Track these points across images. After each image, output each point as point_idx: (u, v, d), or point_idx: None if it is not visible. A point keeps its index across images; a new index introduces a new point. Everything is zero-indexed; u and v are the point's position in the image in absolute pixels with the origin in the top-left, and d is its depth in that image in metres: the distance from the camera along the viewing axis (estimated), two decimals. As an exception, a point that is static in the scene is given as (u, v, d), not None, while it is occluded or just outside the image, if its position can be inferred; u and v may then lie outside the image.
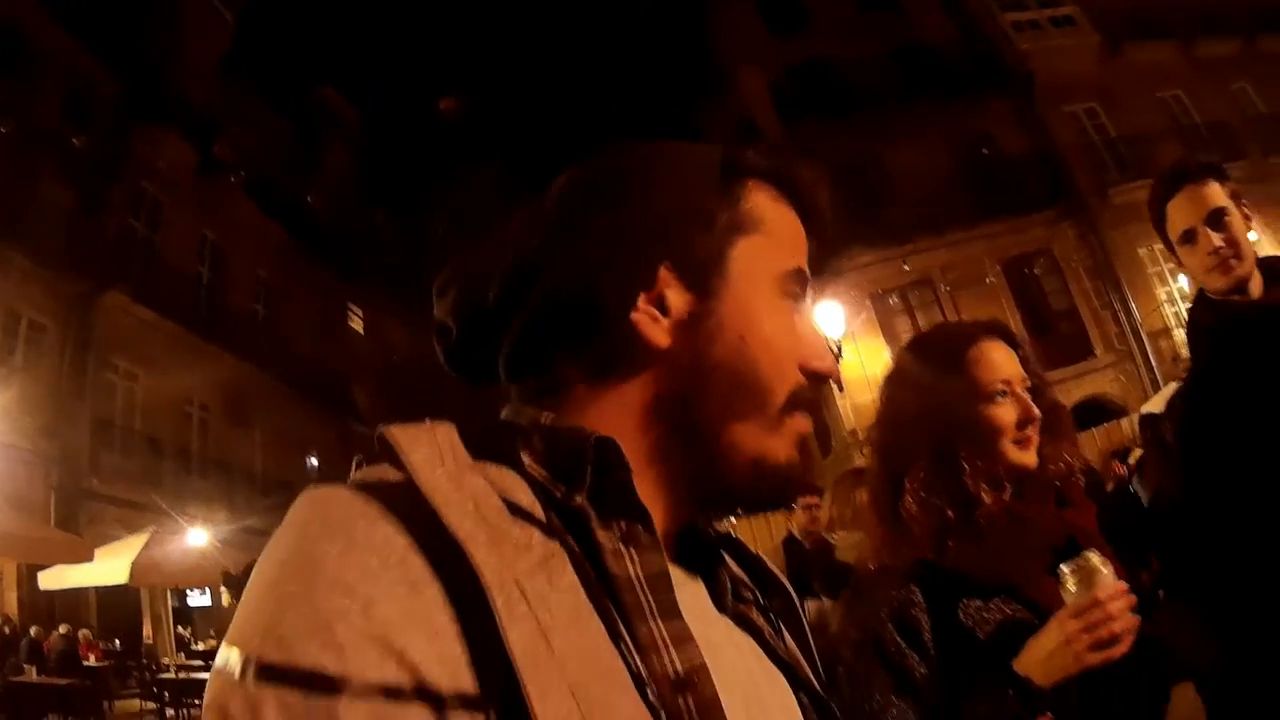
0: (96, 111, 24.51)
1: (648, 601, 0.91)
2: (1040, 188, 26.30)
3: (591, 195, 1.10)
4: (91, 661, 17.23)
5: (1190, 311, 3.15)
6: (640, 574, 0.92)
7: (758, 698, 1.04)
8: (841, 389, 22.34)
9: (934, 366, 2.34)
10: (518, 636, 0.78)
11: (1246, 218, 2.96)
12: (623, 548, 0.93)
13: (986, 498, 2.20)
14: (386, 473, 0.88)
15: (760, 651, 1.13)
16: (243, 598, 0.83)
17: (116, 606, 20.16)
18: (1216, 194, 2.94)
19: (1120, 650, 1.91)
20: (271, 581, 0.81)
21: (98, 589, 18.48)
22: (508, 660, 0.77)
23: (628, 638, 0.87)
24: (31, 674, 15.72)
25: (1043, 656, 1.94)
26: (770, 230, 1.10)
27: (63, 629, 17.25)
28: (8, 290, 20.77)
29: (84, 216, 22.85)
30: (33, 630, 17.23)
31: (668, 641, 0.89)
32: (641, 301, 1.04)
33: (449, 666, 0.77)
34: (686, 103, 34.46)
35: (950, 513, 2.20)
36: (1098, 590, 1.92)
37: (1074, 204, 26.12)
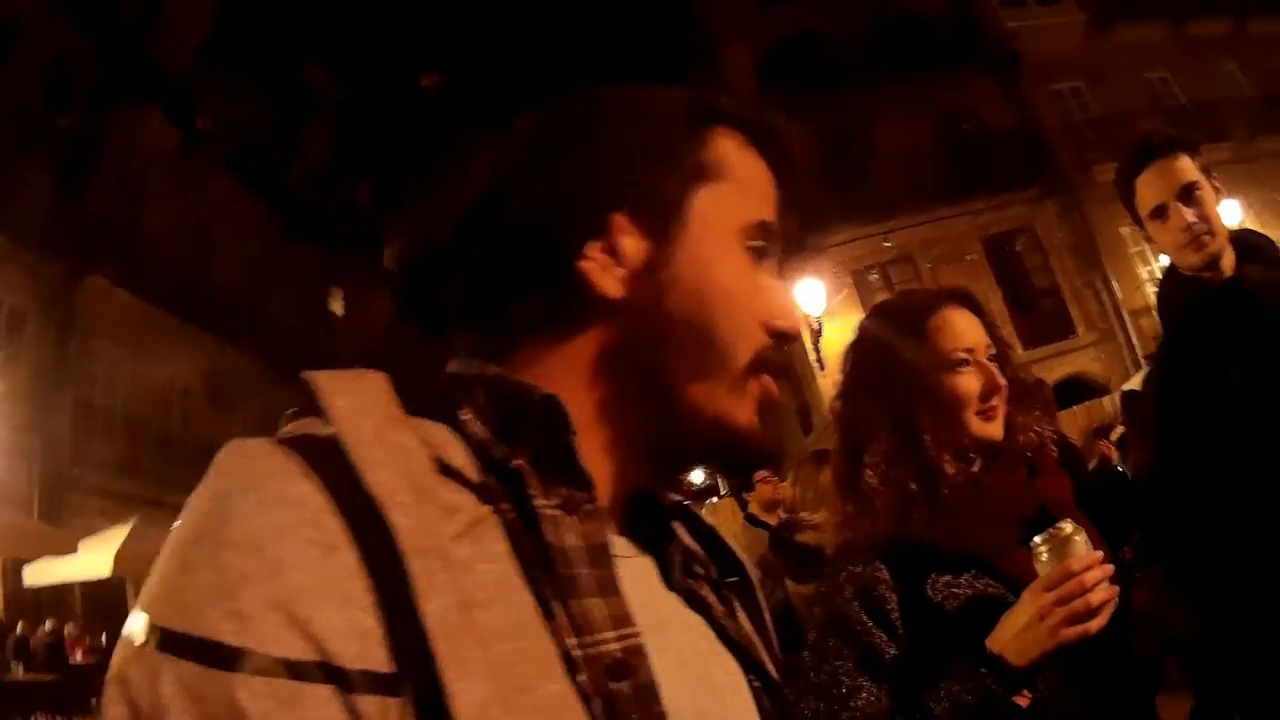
0: (78, 90, 24.00)
1: (586, 576, 0.86)
2: (1022, 165, 26.17)
3: (551, 133, 1.08)
4: (78, 658, 16.84)
5: (1160, 285, 3.13)
6: (580, 545, 0.87)
7: (705, 679, 1.00)
8: (823, 367, 22.30)
9: (895, 335, 2.30)
10: (435, 608, 0.74)
11: (1218, 191, 2.93)
12: (563, 515, 0.88)
13: (949, 469, 2.15)
14: (314, 426, 0.82)
15: (710, 631, 1.07)
16: (157, 560, 0.78)
17: (103, 599, 19.50)
18: (1187, 168, 2.90)
19: (1098, 624, 1.83)
20: (181, 542, 0.77)
21: (83, 582, 17.99)
22: (427, 635, 0.73)
23: (562, 614, 0.83)
24: (18, 672, 15.42)
25: (1016, 633, 1.86)
26: (736, 179, 1.05)
27: (48, 625, 16.97)
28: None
29: (64, 198, 22.36)
30: (18, 627, 16.83)
31: (604, 621, 0.85)
32: (594, 249, 1.00)
33: (360, 640, 0.72)
34: (670, 73, 34.27)
35: (913, 485, 2.14)
36: (1071, 561, 1.85)
37: (1056, 182, 26.02)
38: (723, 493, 23.68)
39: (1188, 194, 2.86)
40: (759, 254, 1.05)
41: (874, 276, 25.88)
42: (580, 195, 1.01)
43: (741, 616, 1.14)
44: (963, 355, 2.20)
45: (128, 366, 23.70)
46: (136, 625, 0.74)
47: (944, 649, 1.94)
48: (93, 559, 15.78)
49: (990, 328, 2.28)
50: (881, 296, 25.59)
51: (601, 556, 0.88)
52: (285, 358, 29.24)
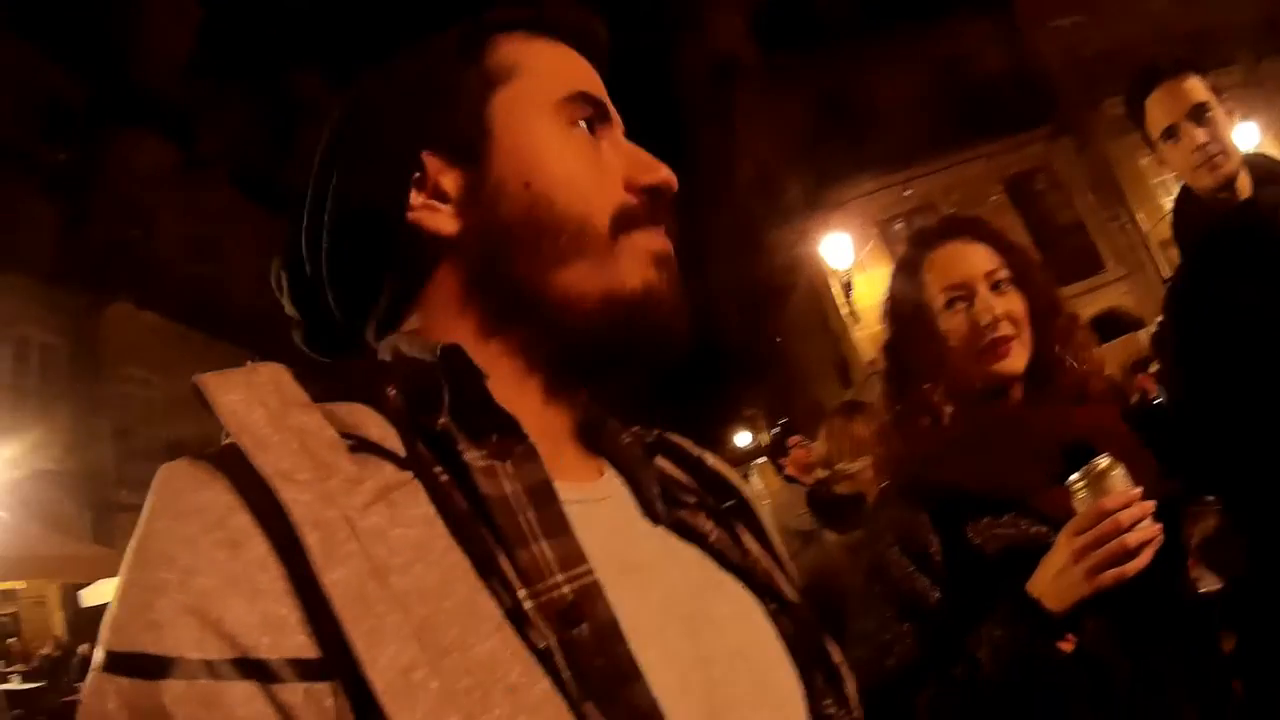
0: (70, 122, 24.28)
1: (527, 520, 0.84)
2: (1031, 105, 26.18)
3: (347, 116, 1.07)
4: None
5: (1175, 207, 3.06)
6: (519, 489, 0.85)
7: (700, 614, 0.96)
8: (857, 320, 22.38)
9: (894, 280, 2.27)
10: (340, 578, 0.71)
11: (1230, 113, 2.89)
12: (496, 463, 0.86)
13: (947, 409, 2.09)
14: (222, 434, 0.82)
15: (708, 561, 1.05)
16: None
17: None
18: (1196, 88, 2.84)
19: (1136, 566, 1.69)
20: (122, 570, 0.77)
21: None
22: (337, 613, 0.71)
23: (508, 566, 0.80)
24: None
25: (1053, 577, 1.76)
26: (528, 71, 1.04)
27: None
28: (12, 313, 20.74)
29: (72, 230, 22.76)
30: (81, 649, 17.09)
31: (553, 563, 0.82)
32: (417, 198, 1.00)
33: (274, 630, 0.71)
34: (660, 38, 34.18)
35: (922, 425, 2.10)
36: (1105, 499, 1.72)
37: (1068, 119, 26.03)
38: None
39: (1198, 114, 2.81)
40: (590, 124, 1.04)
41: (898, 226, 25.73)
42: (383, 156, 1.02)
43: (747, 539, 1.12)
44: (954, 294, 2.12)
45: (160, 387, 23.96)
46: (96, 654, 0.75)
47: (986, 593, 1.86)
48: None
49: (1009, 250, 2.19)
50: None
51: (543, 496, 0.85)
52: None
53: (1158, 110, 2.89)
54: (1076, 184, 26.07)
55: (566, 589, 0.81)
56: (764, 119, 29.11)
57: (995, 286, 2.11)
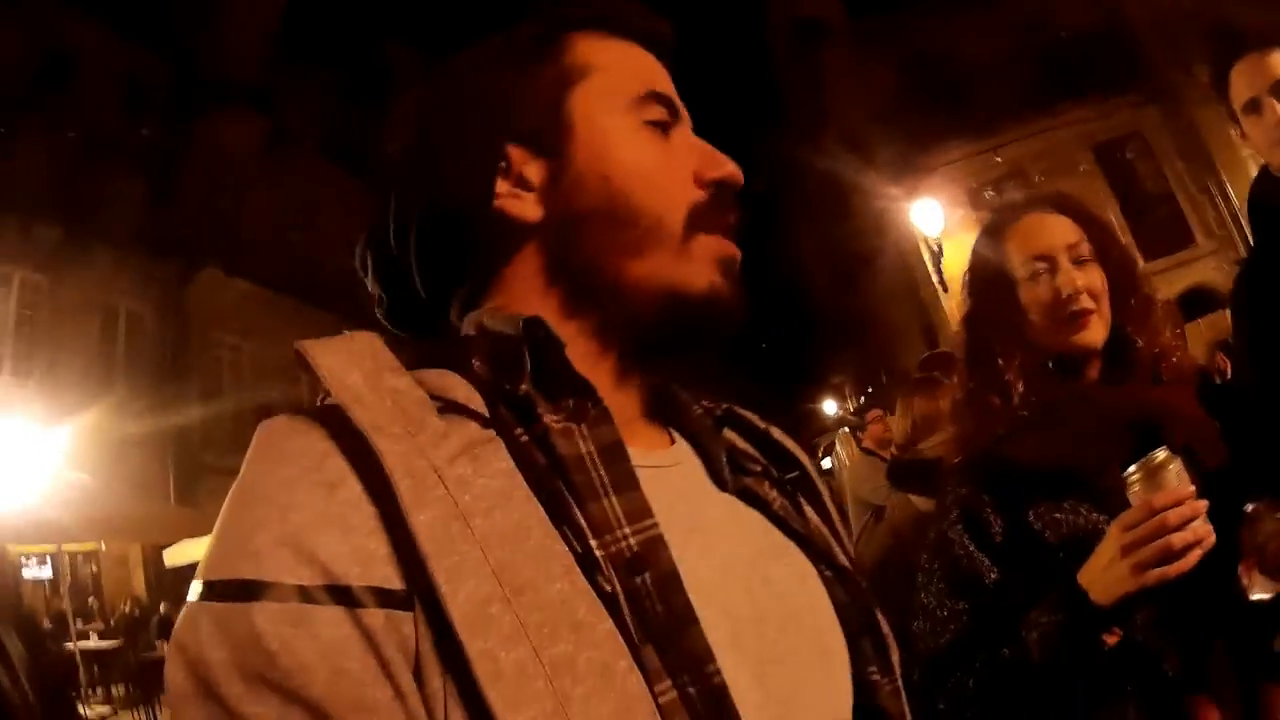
0: (155, 100, 24.93)
1: (599, 477, 0.90)
2: (1121, 68, 25.44)
3: (430, 107, 1.15)
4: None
5: (1252, 188, 2.93)
6: (592, 449, 0.91)
7: (759, 571, 1.02)
8: (946, 289, 22.10)
9: (978, 250, 2.25)
10: (426, 519, 0.78)
11: None
12: (572, 425, 0.93)
13: (1020, 386, 2.06)
14: (319, 393, 0.91)
15: (770, 526, 1.10)
16: None
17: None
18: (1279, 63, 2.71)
19: (1181, 568, 1.63)
20: (223, 511, 0.85)
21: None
22: (424, 550, 0.78)
23: (580, 518, 0.86)
24: (162, 649, 16.16)
25: (1100, 569, 1.72)
26: (602, 69, 1.11)
27: (189, 605, 17.91)
28: (100, 284, 21.41)
29: (159, 203, 23.36)
30: (162, 607, 17.84)
31: (621, 517, 0.88)
32: (502, 186, 1.07)
33: (364, 563, 0.77)
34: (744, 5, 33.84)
35: (997, 402, 2.06)
36: (1154, 497, 1.66)
37: (1156, 84, 25.26)
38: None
39: None
40: (661, 124, 1.10)
41: (989, 194, 25.35)
42: (470, 147, 1.08)
43: (807, 510, 1.18)
44: (1036, 266, 2.09)
45: (250, 351, 24.69)
46: (190, 592, 0.82)
47: (1042, 578, 1.83)
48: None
49: (1091, 225, 2.16)
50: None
51: (615, 455, 0.92)
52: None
53: (1241, 82, 2.78)
54: (1166, 153, 25.33)
55: (633, 540, 0.87)
56: (852, 82, 28.75)
57: (1077, 261, 2.09)
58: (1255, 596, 1.88)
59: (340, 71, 30.92)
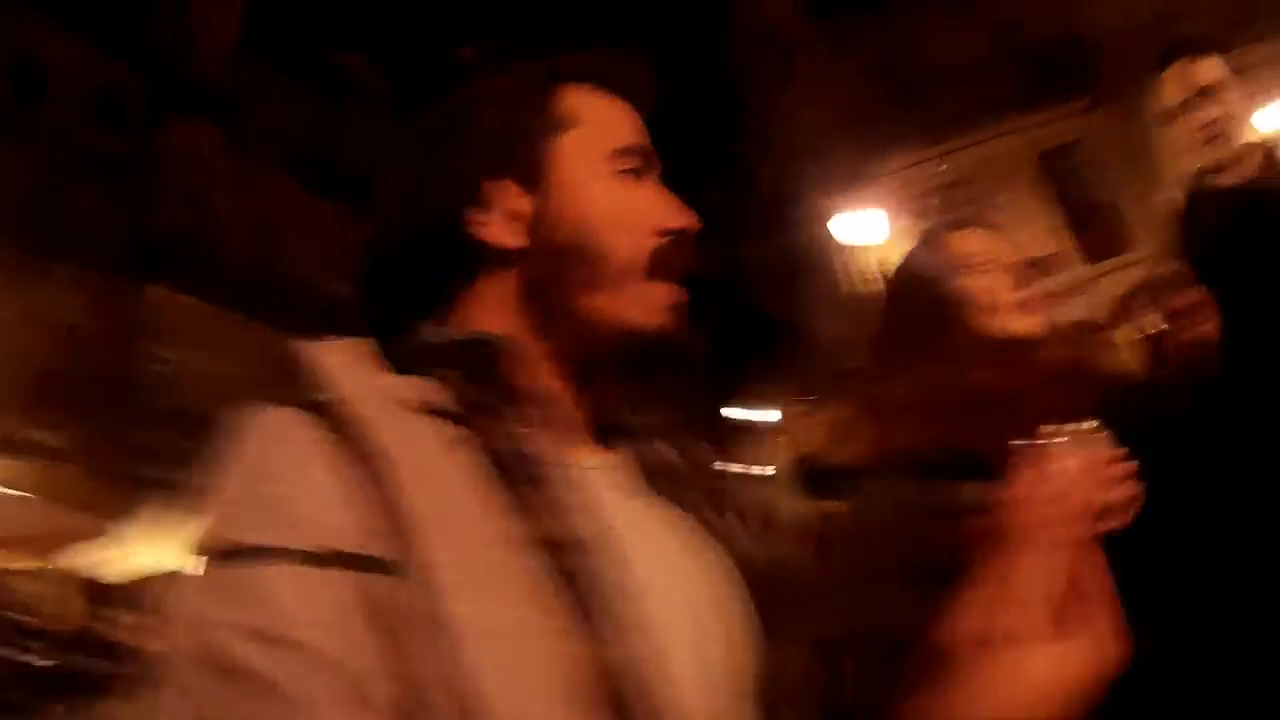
0: (126, 112, 25.12)
1: (548, 476, 1.06)
2: (1077, 74, 25.46)
3: (433, 134, 1.31)
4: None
5: (1186, 203, 2.96)
6: (541, 452, 1.08)
7: (682, 566, 1.19)
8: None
9: (916, 253, 2.34)
10: (419, 502, 0.93)
11: (1251, 96, 2.85)
12: (525, 431, 1.09)
13: (973, 374, 2.12)
14: (315, 392, 1.04)
15: (690, 527, 1.26)
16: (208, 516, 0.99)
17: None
18: (1211, 68, 2.92)
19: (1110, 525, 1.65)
20: (220, 495, 0.98)
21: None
22: (412, 525, 0.93)
23: (530, 508, 1.01)
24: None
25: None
26: (589, 121, 1.27)
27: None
28: (57, 300, 21.53)
29: (126, 216, 23.61)
30: (100, 624, 17.92)
31: (558, 511, 1.04)
32: (490, 214, 1.23)
33: (363, 535, 0.91)
34: (711, 15, 33.79)
35: (936, 393, 2.14)
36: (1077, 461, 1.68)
37: (1106, 91, 25.24)
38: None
39: (1208, 94, 2.90)
40: (634, 174, 1.27)
41: (934, 202, 25.16)
42: (465, 176, 1.24)
43: (728, 516, 1.31)
44: (983, 259, 2.20)
45: (198, 367, 24.02)
46: (192, 564, 0.93)
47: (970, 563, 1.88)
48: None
49: (1012, 244, 2.29)
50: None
51: (560, 460, 1.09)
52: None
53: (1169, 89, 3.01)
54: (1109, 159, 25.30)
55: (577, 529, 1.03)
56: (815, 87, 28.67)
57: (1016, 267, 2.22)
58: None
59: (301, 82, 30.79)
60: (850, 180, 24.76)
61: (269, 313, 24.68)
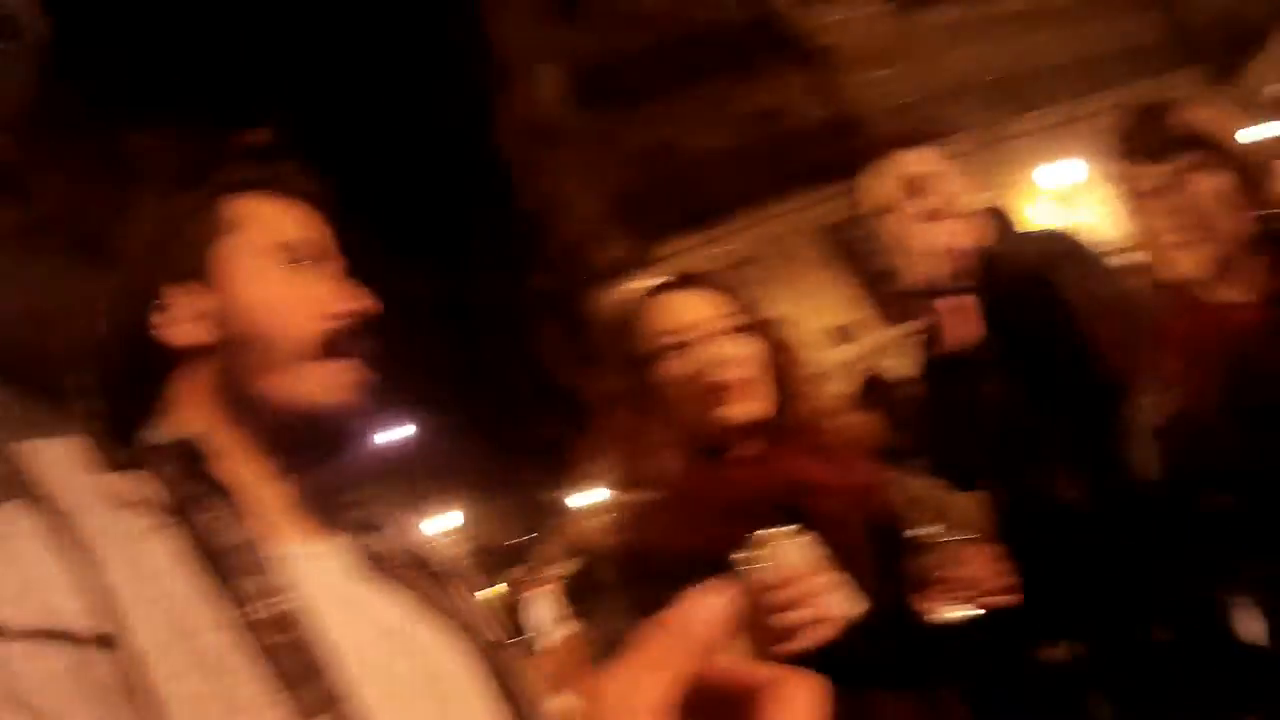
0: None
1: (251, 560, 1.11)
2: (846, 154, 26.42)
3: (119, 251, 1.40)
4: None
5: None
6: (241, 539, 1.14)
7: (408, 638, 1.23)
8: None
9: (608, 331, 2.20)
10: (121, 579, 0.98)
11: (953, 179, 2.97)
12: (221, 522, 1.14)
13: (671, 463, 2.01)
14: (31, 485, 1.08)
15: (416, 605, 1.30)
16: None
17: None
18: (919, 161, 2.91)
19: (798, 645, 1.66)
20: None
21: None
22: (121, 606, 0.96)
23: (232, 591, 1.07)
24: None
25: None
26: (250, 222, 1.37)
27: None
28: None
29: None
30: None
31: (268, 590, 1.09)
32: (166, 318, 1.31)
33: (75, 613, 0.96)
34: (473, 103, 34.05)
35: (639, 485, 2.05)
36: (763, 576, 1.67)
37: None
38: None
39: (917, 187, 2.90)
40: (299, 265, 1.36)
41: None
42: (136, 286, 1.35)
43: (454, 595, 1.38)
44: (670, 340, 2.01)
45: None
46: None
47: None
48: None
49: (740, 297, 2.10)
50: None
51: (263, 544, 1.15)
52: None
53: (877, 186, 3.00)
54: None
55: (274, 610, 1.07)
56: (583, 178, 29.04)
57: (725, 332, 1.99)
58: (949, 616, 1.92)
59: (88, 158, 29.80)
60: (631, 265, 25.01)
61: (38, 397, 23.89)
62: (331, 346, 1.30)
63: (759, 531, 1.70)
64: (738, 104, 27.09)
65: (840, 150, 26.44)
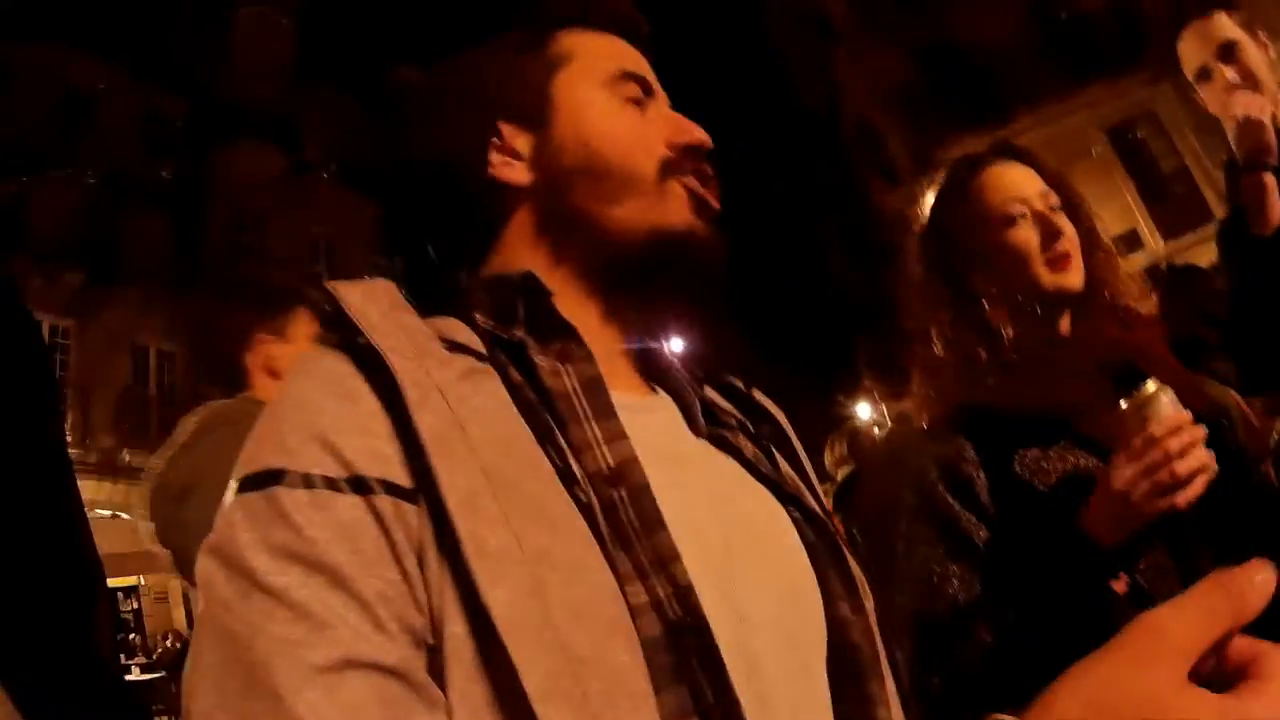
0: (173, 139, 25.28)
1: (582, 407, 1.03)
2: (1129, 45, 25.29)
3: (433, 95, 1.39)
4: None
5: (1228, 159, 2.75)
6: (575, 385, 1.05)
7: (730, 504, 1.13)
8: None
9: (942, 204, 2.17)
10: (429, 423, 0.91)
11: (1264, 47, 2.74)
12: (559, 365, 1.07)
13: (1010, 330, 1.98)
14: (342, 327, 1.02)
15: (740, 470, 1.23)
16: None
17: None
18: (1223, 26, 2.72)
19: (1186, 497, 1.61)
20: (255, 427, 0.97)
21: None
22: (430, 453, 0.89)
23: (560, 440, 0.99)
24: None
25: (1102, 509, 1.68)
26: (582, 55, 1.30)
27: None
28: (129, 324, 21.77)
29: (187, 241, 23.58)
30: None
31: (599, 439, 1.01)
32: (495, 157, 1.25)
33: (379, 461, 0.90)
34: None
35: (981, 351, 1.99)
36: (1153, 426, 1.64)
37: (1161, 59, 25.02)
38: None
39: (1228, 53, 2.69)
40: (635, 99, 1.29)
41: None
42: (467, 125, 1.28)
43: (779, 460, 1.30)
44: (1016, 209, 2.02)
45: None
46: (228, 496, 0.92)
47: (1036, 530, 1.79)
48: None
49: (1054, 176, 2.11)
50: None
51: (595, 387, 1.05)
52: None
53: (1188, 52, 2.81)
54: (1179, 129, 25.12)
55: (610, 458, 1.00)
56: (861, 72, 28.62)
57: (1051, 208, 2.04)
58: None
59: (356, 97, 31.13)
60: (912, 161, 24.65)
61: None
62: (672, 170, 1.24)
63: (1145, 384, 1.69)
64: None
65: (1121, 40, 25.43)
